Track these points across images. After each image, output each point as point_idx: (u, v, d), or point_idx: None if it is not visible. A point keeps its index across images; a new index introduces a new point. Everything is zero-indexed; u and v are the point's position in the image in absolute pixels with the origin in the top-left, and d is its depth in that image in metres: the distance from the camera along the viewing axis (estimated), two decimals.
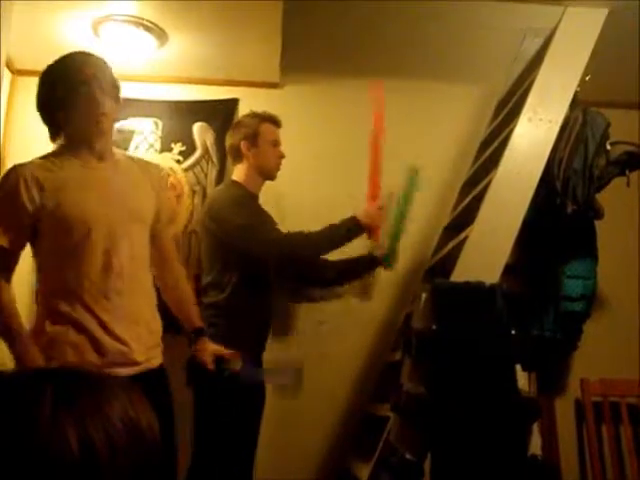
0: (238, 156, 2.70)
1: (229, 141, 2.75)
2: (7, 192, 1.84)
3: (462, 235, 2.65)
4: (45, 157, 1.96)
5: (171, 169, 3.16)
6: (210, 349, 2.15)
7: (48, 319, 1.85)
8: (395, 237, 2.92)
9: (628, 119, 3.34)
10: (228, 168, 3.13)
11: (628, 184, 2.89)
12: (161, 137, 3.21)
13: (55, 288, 1.89)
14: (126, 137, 3.19)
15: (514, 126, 2.65)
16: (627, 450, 3.07)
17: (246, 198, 2.62)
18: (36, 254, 1.93)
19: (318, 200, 3.26)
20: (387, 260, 2.93)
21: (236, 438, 2.39)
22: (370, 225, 2.68)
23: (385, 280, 3.09)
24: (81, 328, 1.84)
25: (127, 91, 3.22)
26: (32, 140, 3.23)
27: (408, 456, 2.11)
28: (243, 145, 2.66)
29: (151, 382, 1.86)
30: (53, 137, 1.97)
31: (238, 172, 2.69)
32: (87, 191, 1.91)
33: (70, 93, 1.88)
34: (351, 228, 2.63)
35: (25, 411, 0.64)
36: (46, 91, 1.91)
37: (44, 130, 3.22)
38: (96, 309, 1.86)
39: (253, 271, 2.54)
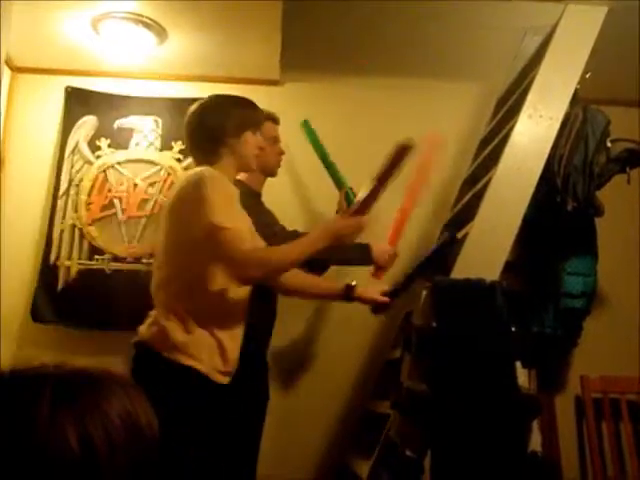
0: None
1: None
2: (233, 196, 2.02)
3: (462, 232, 2.65)
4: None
5: (171, 168, 3.16)
6: (369, 293, 2.37)
7: (194, 319, 1.96)
8: (339, 180, 2.99)
9: (628, 117, 3.34)
10: None
11: (629, 181, 2.89)
12: (161, 135, 3.21)
13: (208, 293, 1.99)
14: (126, 135, 3.20)
15: (514, 123, 2.65)
16: (627, 447, 3.07)
17: (248, 196, 2.62)
18: (196, 260, 1.99)
19: (317, 197, 3.26)
20: (349, 198, 2.93)
21: (240, 437, 2.37)
22: (379, 264, 2.69)
23: (385, 277, 3.09)
24: (217, 336, 1.99)
25: (127, 89, 3.26)
26: (31, 137, 3.25)
27: (408, 453, 2.12)
28: None
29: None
30: (205, 156, 2.11)
31: (244, 174, 2.70)
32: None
33: (249, 126, 2.15)
34: (362, 257, 2.65)
35: (24, 410, 0.64)
36: (226, 117, 2.12)
37: (43, 127, 3.25)
38: (235, 323, 2.06)
39: None
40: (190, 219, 1.94)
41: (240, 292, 2.05)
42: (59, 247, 3.05)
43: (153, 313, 2.04)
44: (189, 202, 1.96)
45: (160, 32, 2.91)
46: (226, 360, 2.01)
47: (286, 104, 3.16)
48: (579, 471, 3.17)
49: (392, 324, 3.11)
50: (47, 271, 3.03)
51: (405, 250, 3.07)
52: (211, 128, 2.11)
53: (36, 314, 2.99)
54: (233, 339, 2.04)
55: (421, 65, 3.32)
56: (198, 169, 2.05)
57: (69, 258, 3.03)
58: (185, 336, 1.94)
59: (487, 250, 2.48)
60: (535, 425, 2.20)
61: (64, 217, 3.08)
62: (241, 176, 2.66)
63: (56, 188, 3.12)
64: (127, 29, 2.88)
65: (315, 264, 2.77)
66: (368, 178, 2.22)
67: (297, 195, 3.30)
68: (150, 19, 2.83)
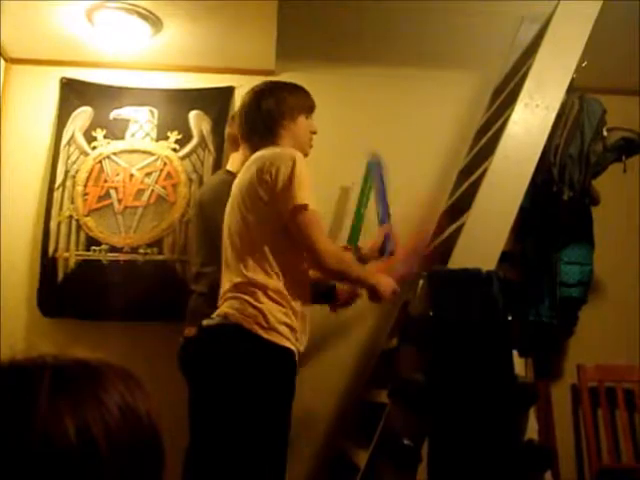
0: (236, 144, 2.71)
1: (228, 130, 2.77)
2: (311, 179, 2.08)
3: (459, 222, 2.65)
4: None
5: (167, 157, 3.15)
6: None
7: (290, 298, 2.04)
8: (355, 236, 3.01)
9: (625, 105, 3.34)
10: (225, 156, 3.12)
11: (625, 170, 2.90)
12: (157, 125, 3.20)
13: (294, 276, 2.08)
14: (122, 126, 3.19)
15: (510, 112, 2.65)
16: (622, 434, 3.09)
17: None
18: (281, 238, 2.06)
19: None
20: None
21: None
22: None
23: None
24: (302, 315, 2.10)
25: (122, 79, 3.25)
26: (27, 129, 3.24)
27: (406, 442, 2.13)
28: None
29: None
30: (264, 138, 2.19)
31: (234, 161, 2.70)
32: None
33: (302, 111, 2.27)
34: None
35: (22, 400, 0.64)
36: (281, 101, 2.22)
37: (38, 118, 3.24)
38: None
39: None
40: (279, 194, 2.01)
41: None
42: (57, 239, 3.04)
43: (236, 294, 2.03)
44: (280, 177, 2.01)
45: (155, 22, 2.90)
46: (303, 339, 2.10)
47: None
48: (575, 459, 3.19)
49: (389, 313, 3.11)
50: (47, 264, 3.02)
51: (404, 238, 3.07)
52: (267, 111, 2.20)
53: (43, 308, 2.99)
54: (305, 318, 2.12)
55: (417, 54, 3.31)
56: (287, 149, 2.13)
57: (67, 250, 3.03)
58: (284, 317, 2.00)
59: (484, 240, 2.49)
60: (532, 413, 2.21)
61: (61, 209, 3.08)
62: (234, 168, 2.66)
63: (52, 180, 3.11)
64: (122, 19, 2.86)
65: None
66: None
67: None
68: (145, 9, 2.82)
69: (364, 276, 2.23)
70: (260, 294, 1.99)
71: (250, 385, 1.95)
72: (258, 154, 2.15)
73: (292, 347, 2.02)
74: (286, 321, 2.01)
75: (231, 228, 2.13)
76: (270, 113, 2.20)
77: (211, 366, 2.02)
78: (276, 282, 2.02)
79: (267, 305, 1.99)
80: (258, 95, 2.25)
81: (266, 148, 2.16)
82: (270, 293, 2.00)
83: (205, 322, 2.09)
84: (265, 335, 1.96)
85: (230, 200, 2.20)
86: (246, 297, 2.00)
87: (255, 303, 1.98)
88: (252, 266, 2.03)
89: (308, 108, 2.31)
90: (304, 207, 2.00)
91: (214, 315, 2.07)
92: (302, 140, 2.26)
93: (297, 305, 2.07)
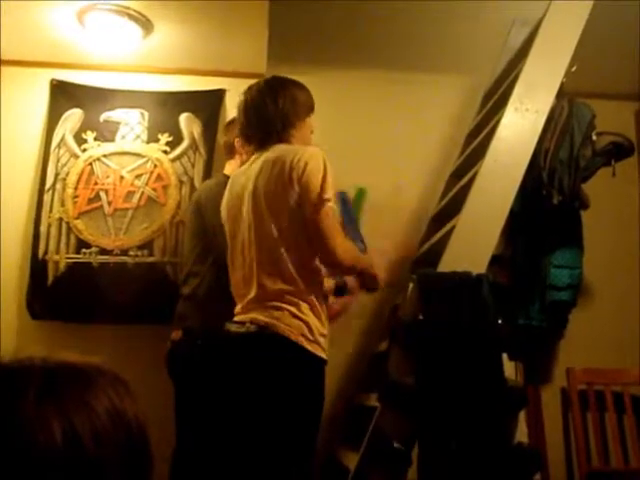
0: (231, 152, 2.71)
1: (224, 138, 2.77)
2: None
3: (449, 225, 2.66)
4: None
5: (158, 160, 3.14)
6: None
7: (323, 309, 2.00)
8: None
9: (615, 110, 3.36)
10: (215, 159, 3.12)
11: (614, 174, 2.92)
12: (148, 128, 3.19)
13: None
14: (112, 128, 3.18)
15: (501, 116, 2.66)
16: (611, 437, 3.10)
17: None
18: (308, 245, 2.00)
19: None
20: None
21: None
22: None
23: None
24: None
25: (113, 82, 3.24)
26: (17, 131, 3.22)
27: (396, 445, 2.13)
28: (237, 142, 2.66)
29: None
30: (276, 138, 2.09)
31: (230, 167, 2.71)
32: None
33: (310, 111, 2.20)
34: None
35: (9, 403, 0.64)
36: (295, 101, 2.15)
37: (29, 120, 3.23)
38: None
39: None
40: (306, 189, 1.93)
41: None
42: (47, 241, 3.03)
43: (275, 303, 1.95)
44: (310, 172, 1.94)
45: (146, 25, 2.89)
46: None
47: None
48: (565, 462, 3.20)
49: (380, 317, 3.12)
50: (37, 266, 3.01)
51: (395, 242, 3.08)
52: (282, 110, 2.12)
53: (31, 311, 2.98)
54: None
55: (408, 58, 3.32)
56: (310, 147, 2.07)
57: (57, 252, 3.01)
58: (323, 328, 1.96)
59: (474, 243, 2.50)
60: (521, 416, 2.22)
61: (51, 211, 3.06)
62: (231, 173, 2.65)
63: (42, 182, 3.10)
64: (113, 21, 2.85)
65: None
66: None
67: None
68: (136, 11, 2.81)
69: (370, 266, 2.12)
70: (304, 306, 1.94)
71: (291, 396, 1.91)
72: (276, 152, 2.04)
73: (326, 358, 1.98)
74: (324, 332, 1.97)
75: (253, 231, 2.02)
76: (285, 112, 2.12)
77: (251, 374, 1.95)
78: (313, 292, 1.97)
79: (311, 317, 1.94)
80: (272, 92, 2.15)
81: (278, 146, 2.08)
82: (312, 304, 1.95)
83: (234, 328, 2.01)
84: (309, 347, 1.91)
85: (243, 202, 2.07)
86: (288, 307, 1.93)
87: (300, 315, 1.92)
88: (289, 275, 1.95)
89: (312, 106, 2.24)
90: (327, 201, 1.93)
91: (243, 320, 1.99)
92: (307, 141, 2.18)
93: (325, 312, 2.02)
